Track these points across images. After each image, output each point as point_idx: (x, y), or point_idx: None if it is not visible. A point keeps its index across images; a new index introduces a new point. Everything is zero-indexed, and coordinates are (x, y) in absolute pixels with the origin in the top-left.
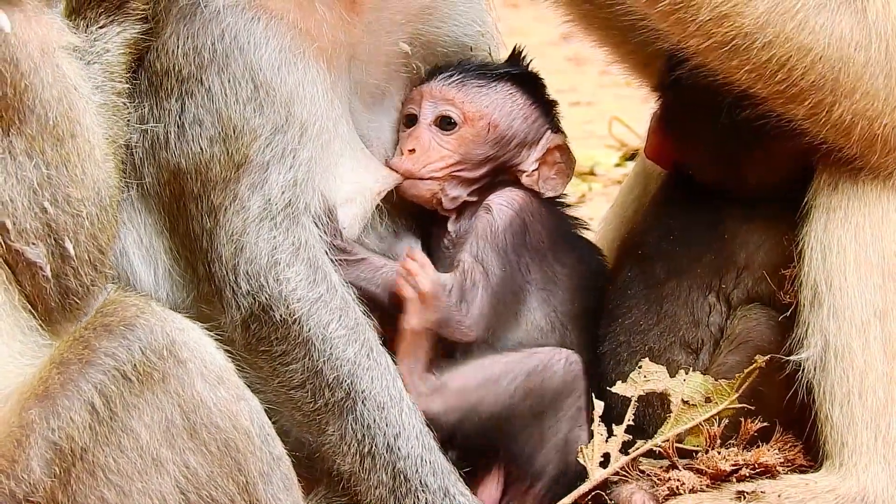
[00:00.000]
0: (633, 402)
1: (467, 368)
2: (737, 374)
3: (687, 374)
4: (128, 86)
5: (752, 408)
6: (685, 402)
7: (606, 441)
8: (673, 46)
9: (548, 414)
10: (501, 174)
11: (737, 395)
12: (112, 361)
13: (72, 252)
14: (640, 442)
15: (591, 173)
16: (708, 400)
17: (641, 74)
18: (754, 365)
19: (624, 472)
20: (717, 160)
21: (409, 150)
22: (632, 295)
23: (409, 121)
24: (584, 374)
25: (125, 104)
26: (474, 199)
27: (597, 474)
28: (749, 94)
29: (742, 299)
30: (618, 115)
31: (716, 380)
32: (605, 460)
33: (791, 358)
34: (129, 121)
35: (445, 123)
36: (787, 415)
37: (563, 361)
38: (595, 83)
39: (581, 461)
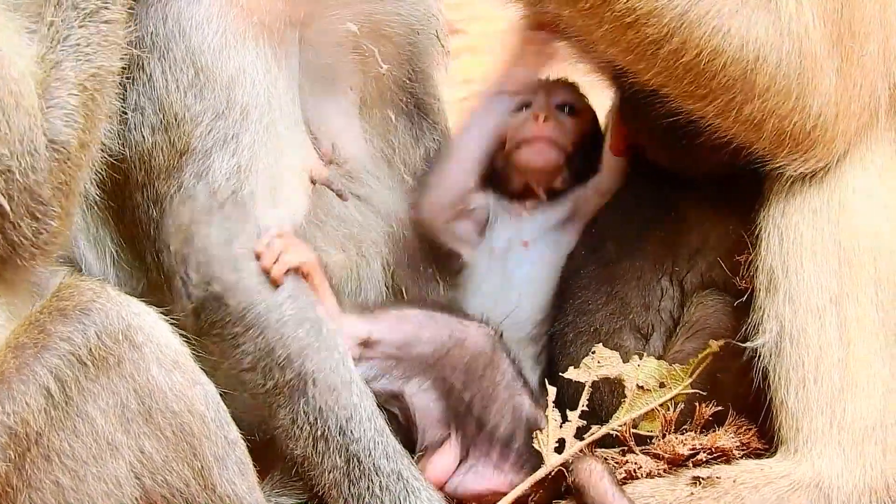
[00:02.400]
0: (586, 388)
1: (403, 308)
2: (690, 360)
3: (641, 359)
4: (124, 13)
5: (705, 393)
6: (639, 387)
7: (561, 426)
8: (588, 48)
9: (484, 378)
10: None
11: (691, 379)
12: (67, 346)
13: (7, 208)
14: (594, 427)
15: None
16: (662, 385)
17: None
18: (707, 350)
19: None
20: (669, 142)
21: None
22: (584, 275)
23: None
24: (500, 345)
25: (117, 31)
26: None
27: (552, 460)
28: (660, 93)
29: (696, 284)
30: None
31: (670, 365)
32: (561, 446)
33: (747, 345)
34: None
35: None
36: (743, 400)
37: (476, 327)
38: (559, 71)
39: (536, 447)
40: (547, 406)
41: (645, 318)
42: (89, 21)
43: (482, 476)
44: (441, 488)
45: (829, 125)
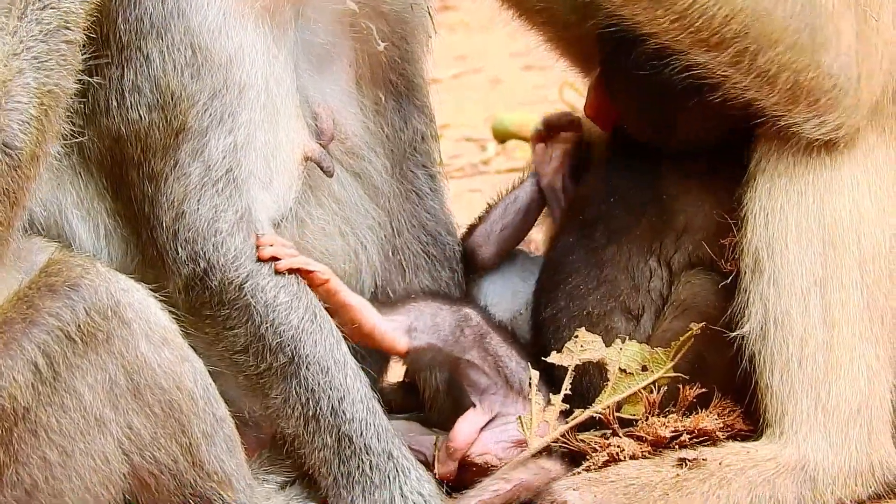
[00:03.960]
0: (569, 372)
1: (416, 300)
2: (672, 343)
3: (623, 342)
4: (83, 36)
5: (688, 377)
6: (622, 371)
7: (544, 410)
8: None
9: (496, 344)
10: None
11: (673, 363)
12: (56, 322)
13: None
14: (577, 410)
15: None
16: (644, 368)
17: (569, 54)
18: (689, 332)
19: (564, 441)
20: (653, 115)
21: None
22: (573, 260)
23: None
24: (490, 316)
25: (76, 53)
26: None
27: (535, 443)
28: (674, 46)
29: (684, 264)
30: (569, 81)
31: (653, 348)
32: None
33: (734, 334)
34: (80, 69)
35: None
36: (730, 382)
37: (468, 305)
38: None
39: (519, 431)
40: (530, 391)
41: (635, 300)
42: (50, 38)
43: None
44: (468, 450)
45: (851, 88)
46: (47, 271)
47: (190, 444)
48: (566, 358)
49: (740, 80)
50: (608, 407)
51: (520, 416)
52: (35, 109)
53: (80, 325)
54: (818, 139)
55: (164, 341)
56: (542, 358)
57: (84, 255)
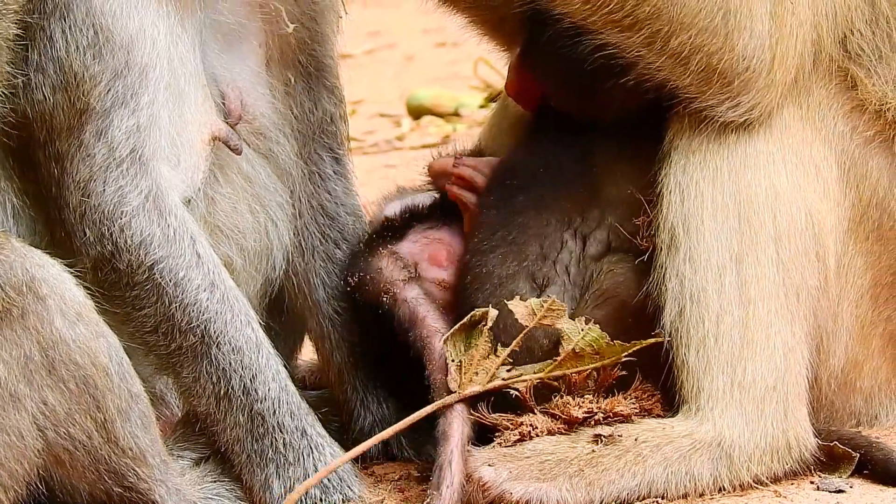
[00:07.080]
0: (524, 331)
1: None
2: (633, 342)
3: (587, 323)
4: None
5: (625, 372)
6: (573, 351)
7: (487, 357)
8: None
9: None
10: None
11: (624, 357)
12: None
13: None
14: (517, 370)
15: (456, 114)
16: (596, 354)
17: (494, 34)
18: (655, 339)
19: (479, 417)
20: (577, 91)
21: None
22: (485, 218)
23: None
24: None
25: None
26: None
27: (467, 389)
28: (588, 26)
29: (601, 241)
30: (483, 57)
31: (611, 340)
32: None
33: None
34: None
35: None
36: (652, 360)
37: None
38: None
39: (449, 381)
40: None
41: (540, 268)
42: None
43: None
44: None
45: (764, 69)
46: None
47: (104, 419)
48: (528, 317)
49: (653, 60)
50: (528, 384)
51: (459, 360)
52: None
53: None
54: (733, 120)
55: (78, 317)
56: (505, 301)
57: None
